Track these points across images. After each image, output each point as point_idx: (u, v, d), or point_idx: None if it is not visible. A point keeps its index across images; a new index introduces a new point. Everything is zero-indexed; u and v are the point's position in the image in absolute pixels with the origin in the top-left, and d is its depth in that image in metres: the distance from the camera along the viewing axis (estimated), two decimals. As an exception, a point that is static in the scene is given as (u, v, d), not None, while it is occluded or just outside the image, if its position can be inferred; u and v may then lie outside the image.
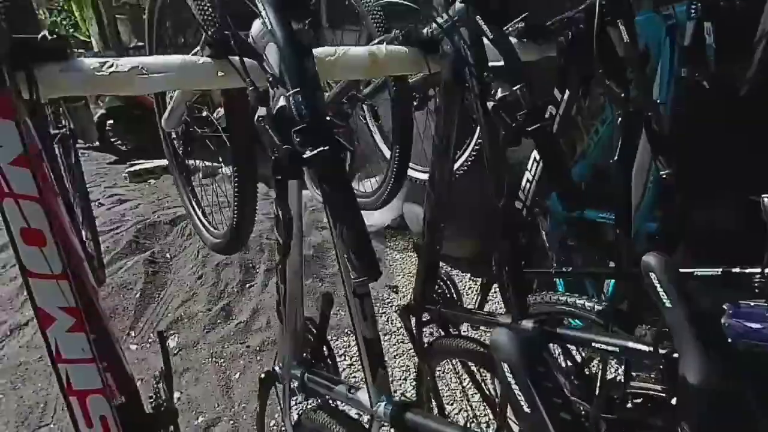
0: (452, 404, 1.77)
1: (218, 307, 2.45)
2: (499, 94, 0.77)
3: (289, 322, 1.06)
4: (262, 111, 0.52)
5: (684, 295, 0.65)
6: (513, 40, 1.17)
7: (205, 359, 2.19)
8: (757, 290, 0.91)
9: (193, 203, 1.44)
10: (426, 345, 1.39)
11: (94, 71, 0.72)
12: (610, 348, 0.78)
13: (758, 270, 0.91)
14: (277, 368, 1.16)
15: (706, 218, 1.33)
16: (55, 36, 0.69)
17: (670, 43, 1.30)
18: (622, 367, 0.89)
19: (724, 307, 1.02)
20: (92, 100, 4.82)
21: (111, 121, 5.36)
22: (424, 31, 1.00)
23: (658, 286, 0.66)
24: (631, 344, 0.75)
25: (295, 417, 1.12)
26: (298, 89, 0.52)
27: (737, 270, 0.95)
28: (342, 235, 0.51)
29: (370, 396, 0.77)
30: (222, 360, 2.18)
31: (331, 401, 1.04)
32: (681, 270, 1.08)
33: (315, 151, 0.49)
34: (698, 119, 1.29)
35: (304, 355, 1.15)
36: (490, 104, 0.75)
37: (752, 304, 0.94)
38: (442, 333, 1.39)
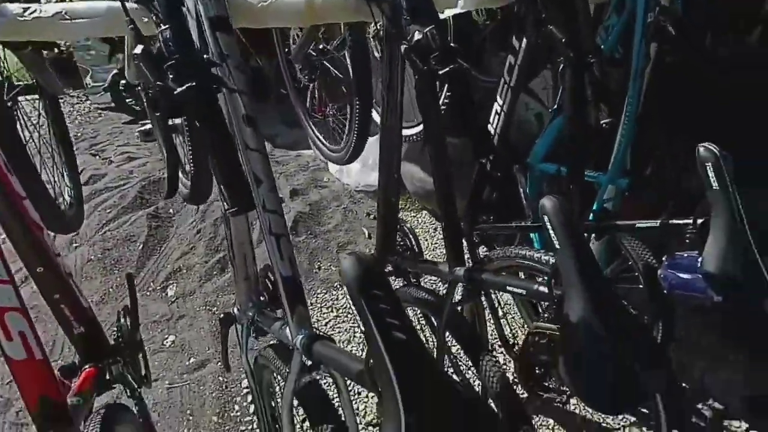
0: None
1: (214, 260, 2.56)
2: (416, 37, 0.76)
3: (240, 268, 1.12)
4: (137, 49, 0.54)
5: (572, 238, 0.66)
6: (472, -14, 1.14)
7: (199, 307, 2.32)
8: (687, 241, 0.90)
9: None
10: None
11: (16, 16, 0.74)
12: (518, 291, 0.80)
13: (690, 221, 0.90)
14: (234, 310, 1.24)
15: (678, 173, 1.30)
16: (-23, -18, 0.72)
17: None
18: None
19: (663, 258, 1.02)
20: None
21: (124, 81, 5.44)
22: (366, -25, 0.98)
23: (550, 228, 0.67)
24: (534, 287, 0.77)
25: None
26: (168, 26, 0.53)
27: (674, 222, 0.94)
28: (215, 169, 0.54)
29: (290, 330, 0.83)
30: (215, 308, 2.31)
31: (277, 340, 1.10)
32: (624, 222, 1.08)
33: (183, 87, 0.52)
34: (669, 71, 1.23)
35: (261, 298, 1.22)
36: (403, 48, 0.75)
37: (686, 255, 0.94)
38: (404, 283, 1.44)
